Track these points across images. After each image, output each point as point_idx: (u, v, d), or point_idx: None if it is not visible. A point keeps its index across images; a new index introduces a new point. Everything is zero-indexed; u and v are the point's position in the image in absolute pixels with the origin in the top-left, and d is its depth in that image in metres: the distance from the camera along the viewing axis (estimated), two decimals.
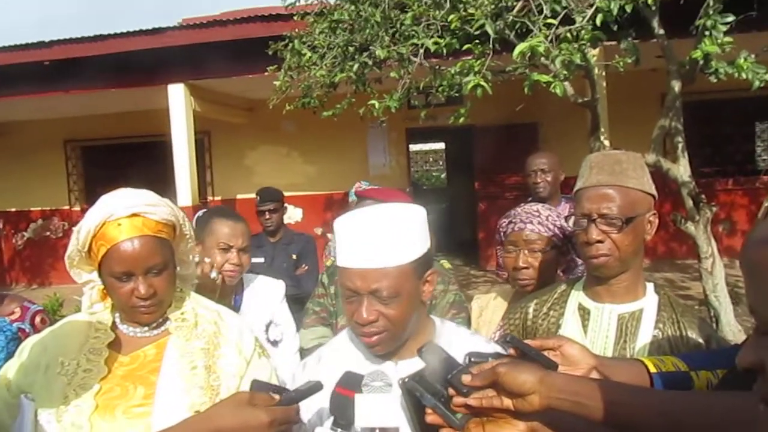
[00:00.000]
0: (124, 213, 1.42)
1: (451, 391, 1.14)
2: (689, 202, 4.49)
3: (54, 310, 7.82)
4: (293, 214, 9.85)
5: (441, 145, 17.39)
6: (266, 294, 2.66)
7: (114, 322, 1.54)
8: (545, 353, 1.26)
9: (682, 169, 4.48)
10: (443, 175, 18.54)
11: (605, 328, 1.63)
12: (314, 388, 1.23)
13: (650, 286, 1.68)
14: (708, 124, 9.02)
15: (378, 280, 1.26)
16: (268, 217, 4.52)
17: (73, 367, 1.43)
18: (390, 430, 1.18)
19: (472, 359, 1.21)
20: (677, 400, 1.04)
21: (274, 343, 2.55)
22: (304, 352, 2.50)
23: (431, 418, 1.15)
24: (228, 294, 2.49)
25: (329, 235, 4.17)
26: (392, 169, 9.91)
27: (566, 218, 1.79)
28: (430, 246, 1.37)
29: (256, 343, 1.64)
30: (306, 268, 4.41)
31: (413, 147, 15.49)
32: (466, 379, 1.14)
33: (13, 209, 11.09)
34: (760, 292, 0.66)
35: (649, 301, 1.64)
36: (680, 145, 4.54)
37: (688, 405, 1.02)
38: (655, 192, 1.64)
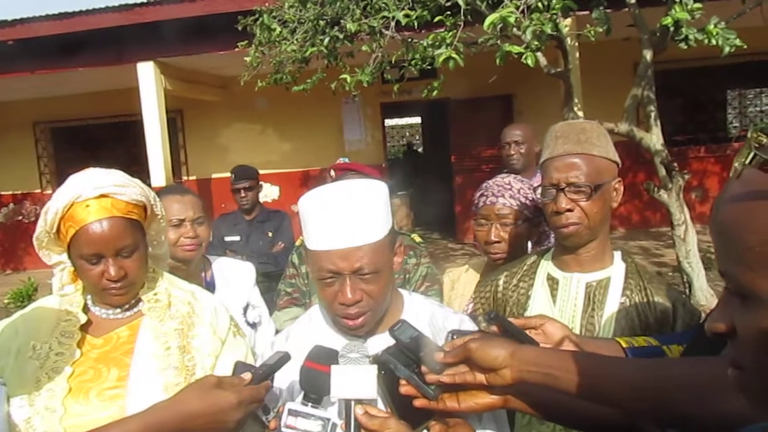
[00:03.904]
0: (92, 194, 1.40)
1: (424, 368, 1.15)
2: (662, 171, 4.54)
3: (28, 295, 7.76)
4: (270, 192, 9.79)
5: (417, 120, 17.36)
6: (239, 276, 2.63)
7: (86, 304, 1.53)
8: (527, 332, 1.28)
9: (654, 138, 4.52)
10: (420, 149, 18.53)
11: (573, 297, 1.65)
12: (281, 360, 1.23)
13: (617, 254, 1.70)
14: (680, 92, 9.10)
15: (360, 258, 1.25)
16: (243, 195, 4.49)
17: (45, 351, 1.42)
18: (366, 402, 1.18)
19: (453, 337, 1.22)
20: (647, 369, 1.06)
21: (254, 326, 2.53)
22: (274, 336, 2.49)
23: (405, 389, 1.16)
24: (195, 272, 2.46)
25: None
26: (368, 145, 9.87)
27: (535, 189, 1.79)
28: (393, 221, 1.37)
29: (231, 322, 1.64)
30: (282, 245, 4.40)
31: (390, 122, 15.44)
32: (438, 356, 1.15)
33: None
34: (730, 251, 0.66)
35: (616, 269, 1.66)
36: (653, 114, 4.58)
37: (658, 374, 1.03)
38: (618, 159, 1.65)
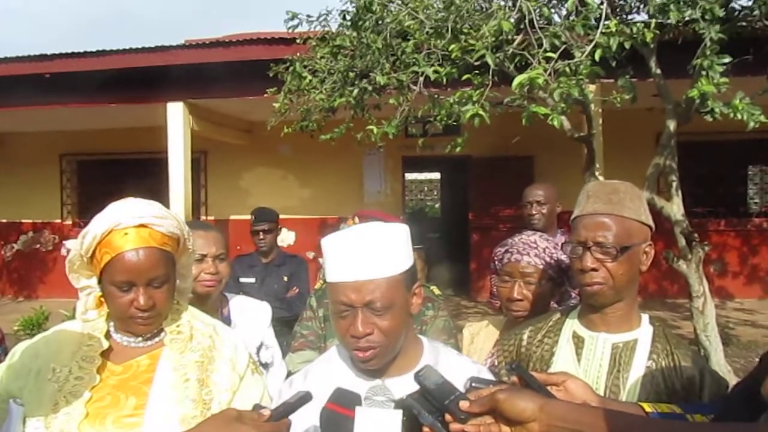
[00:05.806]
0: (132, 222, 1.43)
1: (448, 417, 1.14)
2: (682, 241, 4.52)
3: (39, 324, 7.77)
4: (286, 237, 9.83)
5: (436, 175, 17.47)
6: (255, 315, 2.64)
7: (108, 331, 1.53)
8: (549, 388, 1.26)
9: (675, 208, 4.52)
10: (437, 205, 18.57)
11: (599, 357, 1.62)
12: (303, 399, 1.22)
13: (645, 317, 1.68)
14: (702, 164, 9.11)
15: (372, 291, 1.29)
16: (262, 237, 4.51)
17: (65, 374, 1.42)
18: None
19: (473, 384, 1.21)
20: (679, 430, 1.03)
21: (265, 366, 2.52)
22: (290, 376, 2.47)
23: None
24: (213, 308, 2.47)
25: (321, 260, 4.15)
26: (387, 197, 9.94)
27: (562, 246, 1.79)
28: (413, 262, 1.40)
29: (250, 359, 1.64)
30: (297, 290, 4.39)
31: (409, 176, 15.54)
32: (464, 405, 1.13)
33: (4, 220, 11.01)
34: None
35: (643, 332, 1.64)
36: (674, 184, 4.59)
37: None
38: (651, 223, 1.65)
